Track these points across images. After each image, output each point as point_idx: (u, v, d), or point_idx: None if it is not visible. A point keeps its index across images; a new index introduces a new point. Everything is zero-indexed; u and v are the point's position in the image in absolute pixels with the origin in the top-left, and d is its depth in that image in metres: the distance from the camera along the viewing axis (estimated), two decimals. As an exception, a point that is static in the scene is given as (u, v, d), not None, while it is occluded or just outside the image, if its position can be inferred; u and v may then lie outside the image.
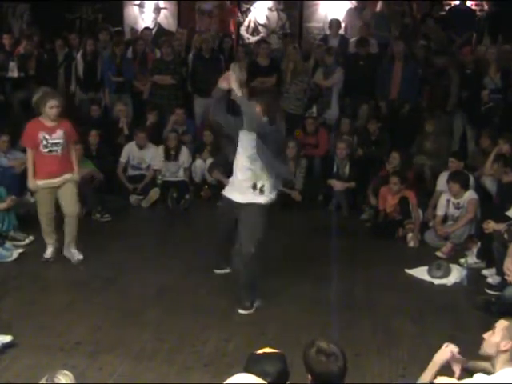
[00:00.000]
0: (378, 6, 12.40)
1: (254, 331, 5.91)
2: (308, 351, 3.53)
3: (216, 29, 13.31)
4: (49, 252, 7.53)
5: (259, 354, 3.74)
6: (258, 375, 3.44)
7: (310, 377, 3.51)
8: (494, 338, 3.86)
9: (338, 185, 9.66)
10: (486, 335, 3.95)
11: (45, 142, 7.13)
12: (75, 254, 7.51)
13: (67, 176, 7.37)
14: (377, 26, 12.12)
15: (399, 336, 5.94)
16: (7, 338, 5.46)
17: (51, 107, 7.08)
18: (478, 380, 3.75)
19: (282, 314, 6.32)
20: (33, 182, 7.26)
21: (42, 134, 7.11)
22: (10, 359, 5.31)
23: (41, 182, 7.26)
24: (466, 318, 6.41)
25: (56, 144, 7.17)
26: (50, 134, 7.15)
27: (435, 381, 3.87)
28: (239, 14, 13.60)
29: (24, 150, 9.57)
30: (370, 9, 12.44)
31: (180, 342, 5.72)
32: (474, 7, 12.65)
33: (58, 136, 7.18)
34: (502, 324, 3.91)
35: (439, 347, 4.13)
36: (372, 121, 10.35)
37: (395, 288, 7.06)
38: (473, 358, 4.19)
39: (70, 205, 7.45)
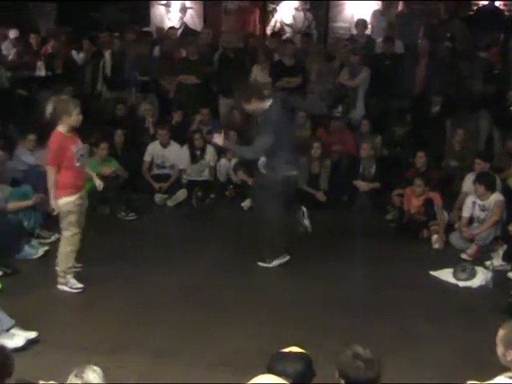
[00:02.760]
0: (400, 7, 12.35)
1: (277, 331, 5.89)
2: (343, 356, 3.48)
3: (242, 29, 13.31)
4: (74, 281, 6.75)
5: (284, 352, 3.72)
6: (280, 374, 3.43)
7: (343, 382, 3.44)
8: (499, 351, 3.82)
9: (362, 185, 9.63)
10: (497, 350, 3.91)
11: (77, 155, 6.58)
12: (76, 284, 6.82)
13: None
14: (401, 26, 12.06)
15: (422, 338, 5.92)
16: (32, 334, 5.51)
17: (78, 114, 6.51)
18: (499, 380, 3.73)
19: (305, 315, 6.31)
20: (67, 201, 6.52)
21: (74, 148, 6.54)
22: (34, 355, 5.36)
23: (74, 198, 6.58)
24: (492, 321, 6.31)
25: (82, 155, 6.74)
26: (77, 145, 6.61)
27: None
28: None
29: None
30: (394, 9, 12.40)
31: (203, 340, 5.74)
32: (501, 7, 12.53)
33: (81, 146, 6.72)
34: (499, 334, 3.88)
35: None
36: (397, 123, 10.27)
37: (419, 289, 7.02)
38: (499, 361, 4.14)
39: (83, 218, 6.85)
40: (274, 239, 7.43)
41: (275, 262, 7.46)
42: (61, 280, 6.69)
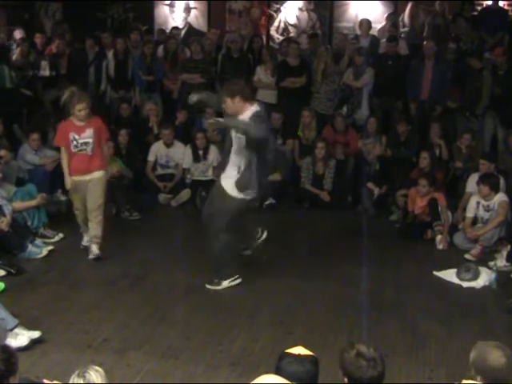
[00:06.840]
0: (406, 16, 12.36)
1: (281, 331, 5.91)
2: (346, 354, 3.46)
3: (246, 28, 13.32)
4: (86, 240, 7.85)
5: (291, 353, 3.71)
6: (288, 375, 3.43)
7: (346, 380, 3.44)
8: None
9: (375, 190, 9.67)
10: None
11: (75, 142, 7.36)
12: (93, 251, 7.56)
13: (96, 174, 7.48)
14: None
15: (427, 338, 5.90)
16: (36, 334, 5.51)
17: (79, 110, 7.30)
18: None
19: (310, 314, 6.31)
20: (69, 181, 7.51)
21: (71, 135, 7.35)
22: (38, 355, 5.37)
23: (71, 179, 7.50)
24: (495, 321, 6.35)
25: (85, 143, 7.38)
26: (78, 134, 7.35)
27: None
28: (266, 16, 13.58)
29: (55, 149, 9.74)
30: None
31: (207, 340, 5.74)
32: (506, 7, 12.51)
33: (87, 135, 7.37)
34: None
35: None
36: (401, 123, 10.26)
37: (423, 290, 7.02)
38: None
39: (93, 201, 7.46)
40: (224, 256, 6.80)
41: (225, 283, 6.84)
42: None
